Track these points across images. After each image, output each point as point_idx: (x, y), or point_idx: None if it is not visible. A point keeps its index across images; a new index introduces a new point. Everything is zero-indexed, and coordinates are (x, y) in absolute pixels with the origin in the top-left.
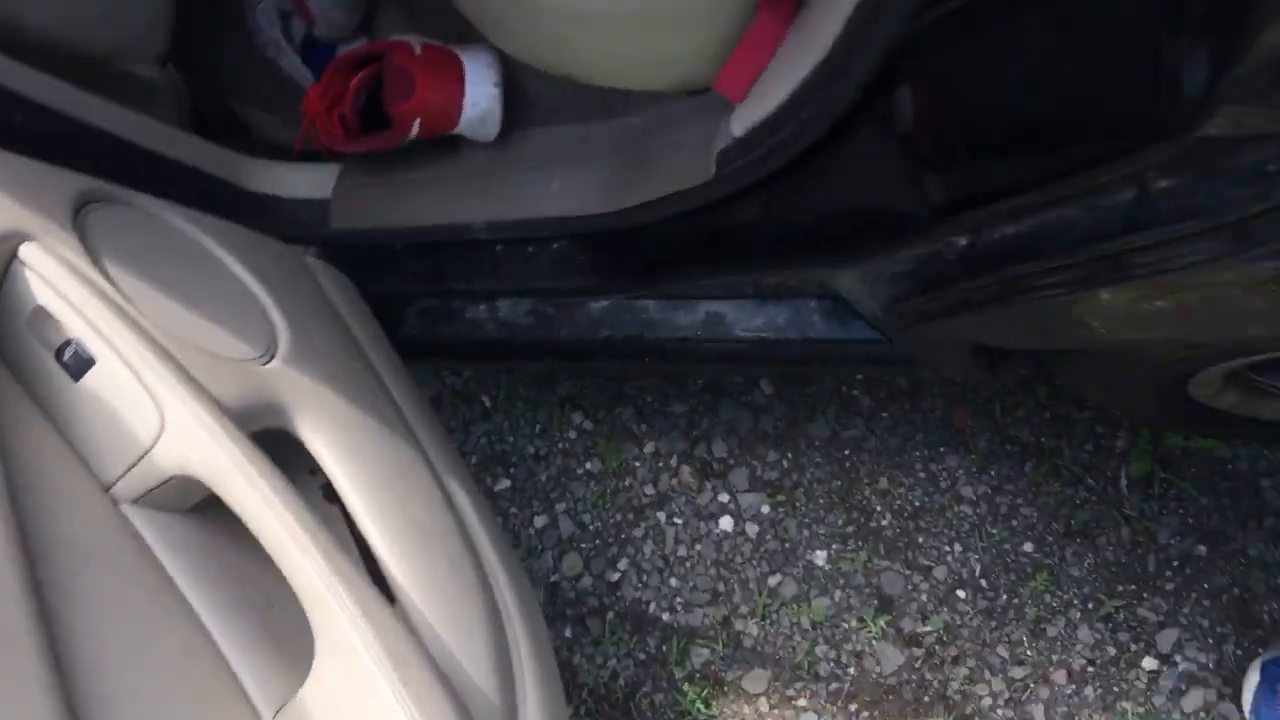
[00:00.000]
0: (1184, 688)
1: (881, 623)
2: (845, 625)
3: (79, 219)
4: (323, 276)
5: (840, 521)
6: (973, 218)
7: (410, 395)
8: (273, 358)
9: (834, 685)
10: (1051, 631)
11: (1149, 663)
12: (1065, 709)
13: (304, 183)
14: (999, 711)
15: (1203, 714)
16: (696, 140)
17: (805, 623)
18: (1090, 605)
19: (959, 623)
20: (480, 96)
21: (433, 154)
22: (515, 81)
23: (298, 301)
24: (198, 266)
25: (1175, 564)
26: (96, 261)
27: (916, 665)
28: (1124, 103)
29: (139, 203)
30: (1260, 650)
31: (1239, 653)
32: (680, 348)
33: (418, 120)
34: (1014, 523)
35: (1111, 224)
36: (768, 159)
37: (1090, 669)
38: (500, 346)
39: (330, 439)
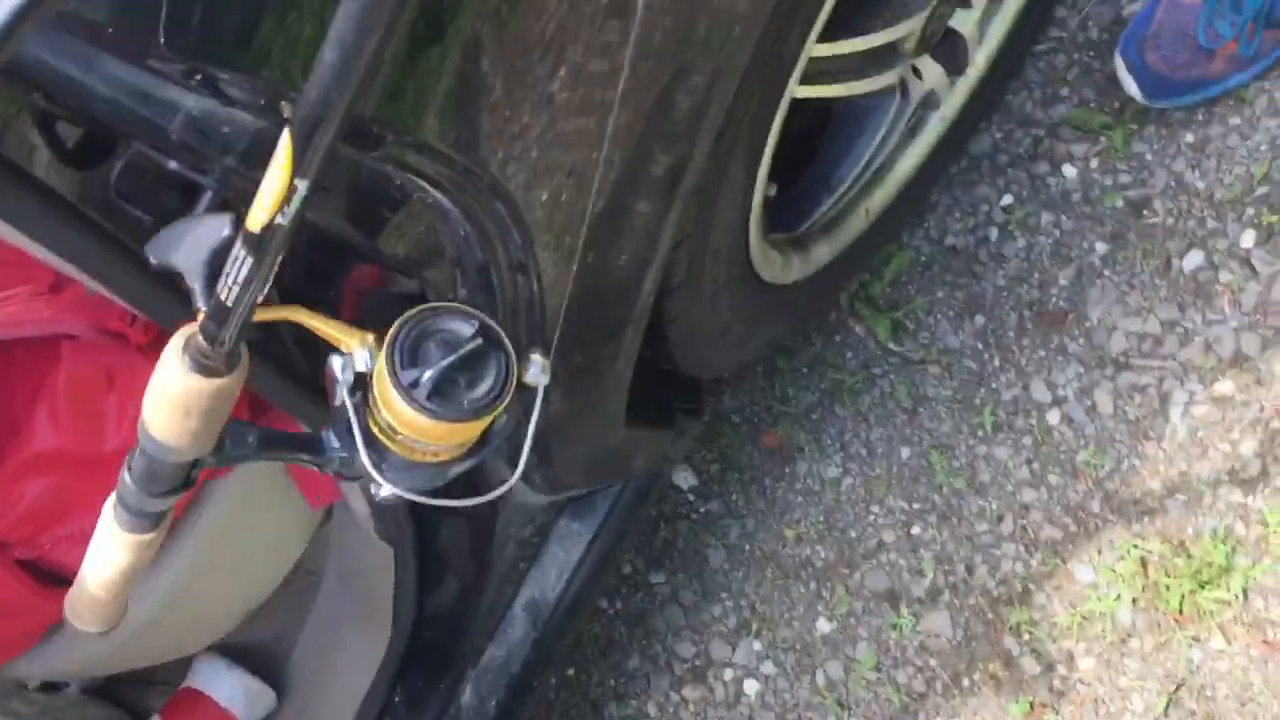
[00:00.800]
0: (1090, 401)
1: (905, 613)
2: (891, 638)
3: None
4: None
5: (802, 591)
6: None
7: None
8: None
9: (952, 666)
10: (984, 478)
11: (1053, 416)
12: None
13: None
14: (1050, 527)
15: (1110, 414)
16: (365, 536)
17: (870, 675)
18: (978, 430)
19: (958, 530)
20: (233, 692)
21: None
22: (237, 649)
23: None
24: None
25: (979, 345)
26: None
27: (963, 615)
28: None
29: None
30: (1073, 335)
31: (1078, 345)
32: (541, 649)
33: None
34: (879, 449)
35: None
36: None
37: (1033, 464)
38: None
39: None
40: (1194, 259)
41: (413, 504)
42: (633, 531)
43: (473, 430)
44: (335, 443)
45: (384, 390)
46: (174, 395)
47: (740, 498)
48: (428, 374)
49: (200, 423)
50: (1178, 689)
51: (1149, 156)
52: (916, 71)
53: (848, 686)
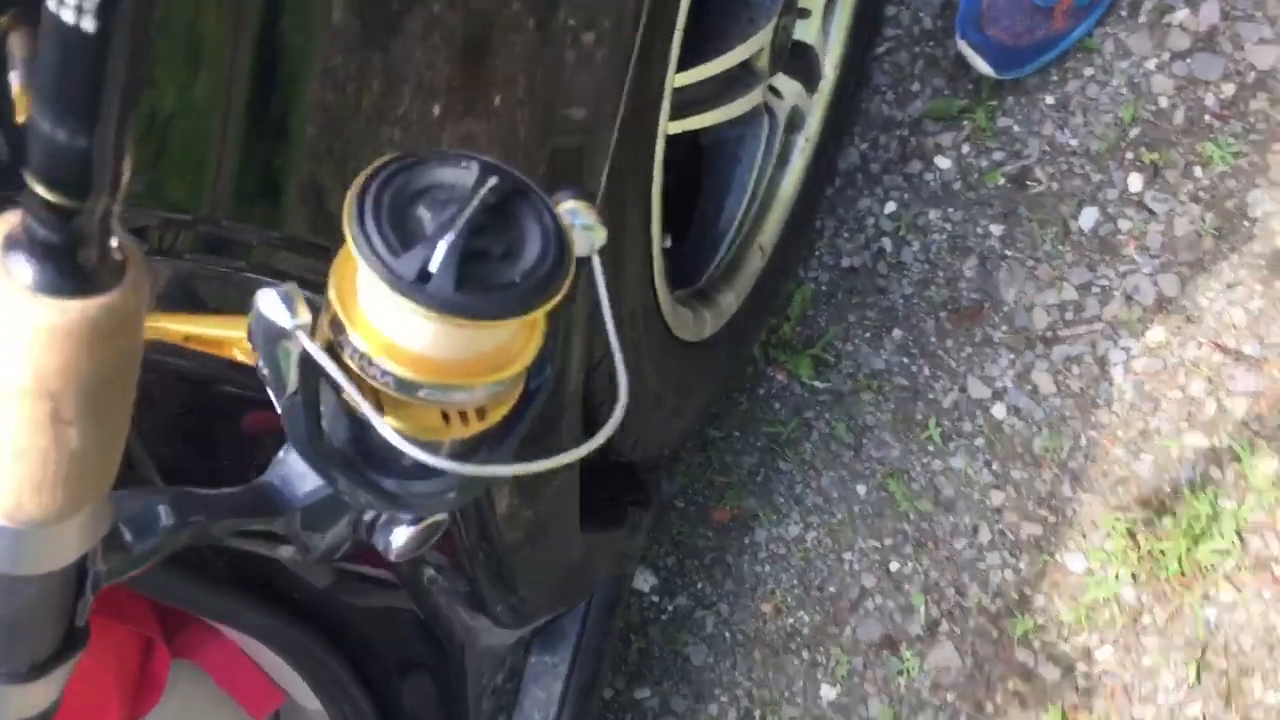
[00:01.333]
0: (1031, 385)
1: (907, 655)
2: (901, 685)
3: None
4: None
5: (796, 663)
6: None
7: None
8: None
9: (971, 696)
10: (948, 493)
11: (998, 410)
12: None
13: None
14: (1028, 525)
15: (1054, 392)
16: None
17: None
18: (928, 445)
19: (937, 554)
20: None
21: None
22: None
23: None
24: None
25: (905, 359)
26: None
27: (967, 640)
28: None
29: None
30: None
31: (1002, 332)
32: None
33: None
34: (834, 494)
35: None
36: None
37: (992, 465)
38: None
39: None
40: (1089, 216)
41: (365, 677)
42: (610, 649)
43: (535, 334)
44: (298, 475)
45: (367, 314)
46: (15, 369)
47: (706, 584)
48: (442, 246)
49: (87, 418)
50: (1203, 653)
51: (1016, 128)
52: (777, 92)
53: None
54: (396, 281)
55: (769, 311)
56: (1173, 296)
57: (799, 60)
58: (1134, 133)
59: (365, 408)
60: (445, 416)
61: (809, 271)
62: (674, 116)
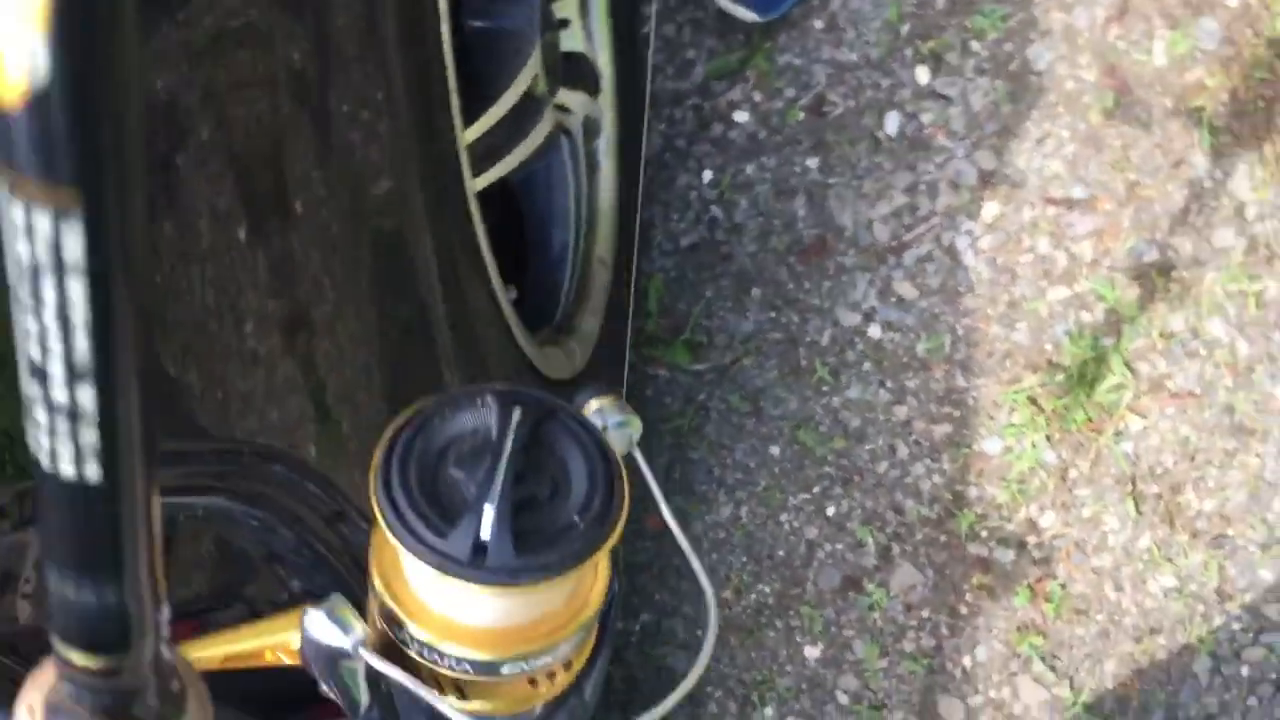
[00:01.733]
0: (895, 297)
1: (872, 588)
2: (876, 619)
3: None
4: None
5: (772, 635)
6: None
7: None
8: None
9: (943, 604)
10: (855, 424)
11: (874, 330)
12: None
13: None
14: (939, 426)
15: (918, 296)
16: None
17: (881, 664)
18: (822, 386)
19: (865, 483)
20: None
21: None
22: None
23: None
24: None
25: (772, 314)
26: None
27: (921, 554)
28: None
29: None
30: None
31: (851, 257)
32: None
33: None
34: (751, 463)
35: None
36: None
37: (886, 383)
38: None
39: None
40: (893, 121)
41: None
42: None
43: (602, 563)
44: None
45: (424, 601)
46: None
47: (663, 593)
48: (489, 511)
49: None
50: (1134, 485)
51: (797, 62)
52: (565, 109)
53: (870, 688)
54: (451, 567)
55: (630, 316)
56: (993, 169)
57: (574, 70)
58: (905, 29)
59: (452, 712)
60: (532, 681)
61: (654, 263)
62: (477, 172)
